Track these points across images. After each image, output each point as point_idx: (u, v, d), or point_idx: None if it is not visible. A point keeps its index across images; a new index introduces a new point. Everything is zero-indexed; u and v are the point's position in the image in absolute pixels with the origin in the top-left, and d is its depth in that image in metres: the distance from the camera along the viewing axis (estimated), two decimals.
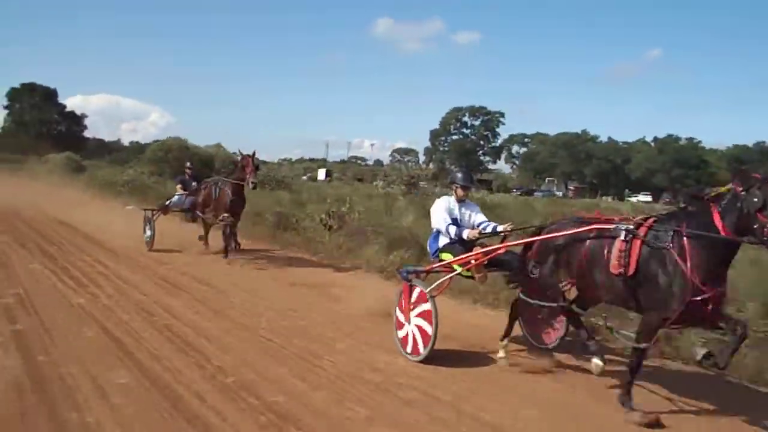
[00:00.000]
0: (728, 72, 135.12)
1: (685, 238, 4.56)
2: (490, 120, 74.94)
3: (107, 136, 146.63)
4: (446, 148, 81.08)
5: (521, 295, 6.07)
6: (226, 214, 11.46)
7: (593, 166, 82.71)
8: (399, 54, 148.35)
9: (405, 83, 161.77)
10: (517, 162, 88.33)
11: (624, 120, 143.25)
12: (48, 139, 61.67)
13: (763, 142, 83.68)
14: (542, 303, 5.84)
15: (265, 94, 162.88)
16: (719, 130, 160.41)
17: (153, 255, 12.08)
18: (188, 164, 14.38)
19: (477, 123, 75.58)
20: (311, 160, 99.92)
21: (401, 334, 6.31)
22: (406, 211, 16.13)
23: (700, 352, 4.77)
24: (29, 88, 68.56)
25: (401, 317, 6.34)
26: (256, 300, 8.53)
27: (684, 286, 4.50)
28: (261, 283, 9.86)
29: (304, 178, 59.35)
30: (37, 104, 68.31)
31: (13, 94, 68.66)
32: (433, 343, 5.85)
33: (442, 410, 4.91)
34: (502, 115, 76.25)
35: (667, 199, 62.62)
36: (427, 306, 5.97)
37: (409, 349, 6.14)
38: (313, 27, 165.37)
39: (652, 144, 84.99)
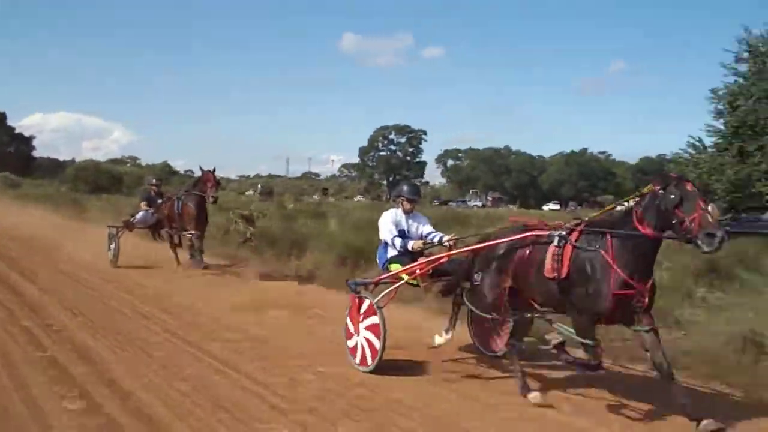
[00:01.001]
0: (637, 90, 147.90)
1: (610, 239, 4.62)
2: (414, 137, 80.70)
3: (67, 155, 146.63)
4: (374, 164, 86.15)
5: (466, 301, 5.99)
6: (192, 231, 11.24)
7: (512, 178, 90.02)
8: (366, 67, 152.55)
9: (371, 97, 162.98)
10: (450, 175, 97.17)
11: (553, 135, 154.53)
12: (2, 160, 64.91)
13: (665, 154, 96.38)
14: (482, 313, 5.74)
15: (231, 110, 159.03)
16: (634, 145, 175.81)
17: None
18: (154, 180, 14.06)
19: (402, 140, 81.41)
20: (270, 176, 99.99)
21: (350, 343, 6.17)
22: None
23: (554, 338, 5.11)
24: None
25: (351, 327, 6.20)
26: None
27: (612, 282, 4.51)
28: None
29: (249, 193, 62.79)
30: None
31: None
32: (381, 357, 5.69)
33: None
34: (425, 132, 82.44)
35: (573, 207, 67.64)
36: (375, 319, 5.82)
37: (357, 359, 6.03)
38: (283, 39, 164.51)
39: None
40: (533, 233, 5.26)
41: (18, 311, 8.02)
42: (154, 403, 4.77)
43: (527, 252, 5.24)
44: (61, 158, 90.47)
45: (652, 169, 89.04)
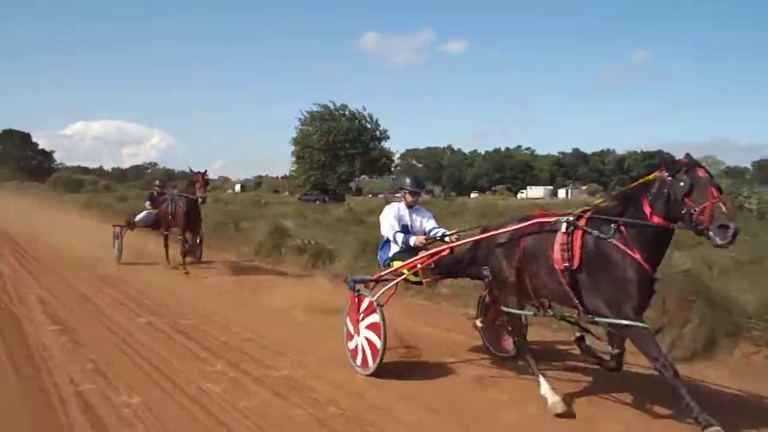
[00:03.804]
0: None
1: (623, 228, 4.02)
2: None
3: (109, 162, 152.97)
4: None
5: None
6: (179, 230, 11.28)
7: (448, 173, 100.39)
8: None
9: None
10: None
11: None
12: (25, 170, 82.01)
13: (578, 148, 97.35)
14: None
15: (264, 116, 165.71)
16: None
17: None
18: (157, 181, 13.88)
19: None
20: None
21: (351, 345, 5.42)
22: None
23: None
24: (8, 133, 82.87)
25: (351, 328, 5.44)
26: None
27: (637, 272, 3.93)
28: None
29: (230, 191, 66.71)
30: (16, 144, 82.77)
31: None
32: (382, 357, 4.99)
33: None
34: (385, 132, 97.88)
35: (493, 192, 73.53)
36: (375, 318, 5.10)
37: (358, 361, 5.26)
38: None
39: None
40: (537, 220, 4.57)
41: None
42: None
43: (532, 242, 4.55)
44: (104, 165, 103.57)
45: (568, 162, 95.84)
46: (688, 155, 3.99)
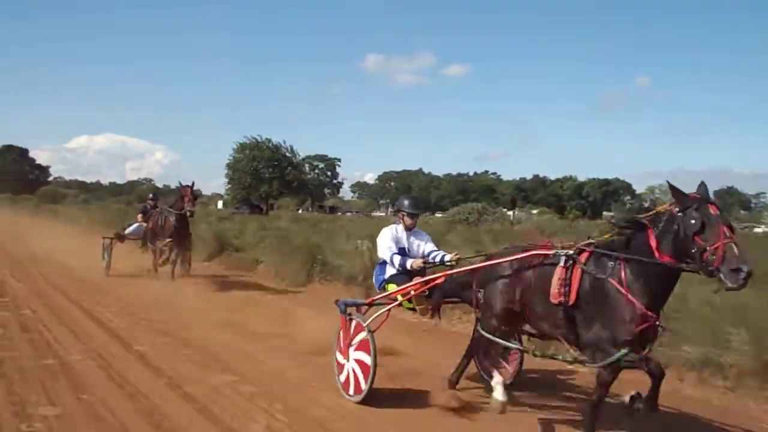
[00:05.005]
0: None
1: (625, 265, 3.73)
2: (331, 164, 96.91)
3: (111, 176, 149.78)
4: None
5: (480, 329, 4.82)
6: (168, 240, 11.02)
7: (416, 194, 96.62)
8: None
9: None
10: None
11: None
12: (21, 184, 75.15)
13: (538, 174, 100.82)
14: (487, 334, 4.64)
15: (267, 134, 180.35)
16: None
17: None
18: (150, 195, 13.66)
19: (322, 166, 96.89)
20: None
21: (342, 378, 5.03)
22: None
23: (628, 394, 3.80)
24: (7, 148, 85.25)
25: (341, 358, 5.04)
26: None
27: (633, 315, 3.63)
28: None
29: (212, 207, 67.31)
30: (15, 159, 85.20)
31: None
32: (373, 377, 4.61)
33: None
34: (339, 160, 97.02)
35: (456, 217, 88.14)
36: (363, 335, 4.78)
37: (351, 390, 4.86)
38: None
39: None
40: (537, 252, 4.30)
41: None
42: None
43: (531, 274, 4.28)
44: (109, 179, 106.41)
45: (528, 187, 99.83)
46: (701, 188, 3.61)
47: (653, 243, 3.68)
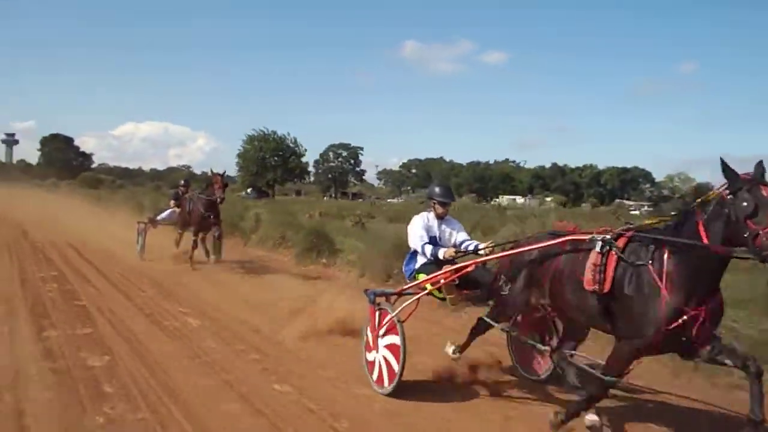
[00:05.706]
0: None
1: (666, 252, 3.41)
2: (354, 152, 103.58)
3: (155, 163, 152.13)
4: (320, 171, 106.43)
5: (486, 318, 4.68)
6: (194, 230, 11.26)
7: (436, 182, 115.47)
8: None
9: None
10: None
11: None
12: (66, 170, 75.92)
13: (556, 163, 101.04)
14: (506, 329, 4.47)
15: (301, 123, 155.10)
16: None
17: None
18: (182, 181, 13.78)
19: (345, 154, 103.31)
20: None
21: (369, 357, 4.94)
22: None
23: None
24: (54, 137, 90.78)
25: (370, 340, 4.89)
26: None
27: (662, 310, 3.33)
28: None
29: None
30: (60, 147, 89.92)
31: (43, 141, 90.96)
32: (399, 380, 4.54)
33: None
34: (361, 149, 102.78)
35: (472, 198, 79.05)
36: (395, 339, 4.60)
37: (374, 376, 4.81)
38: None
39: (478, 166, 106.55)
40: (571, 237, 4.01)
41: None
42: None
43: (564, 260, 3.99)
44: (151, 166, 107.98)
45: (547, 175, 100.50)
46: (759, 166, 3.22)
47: (702, 229, 3.33)
